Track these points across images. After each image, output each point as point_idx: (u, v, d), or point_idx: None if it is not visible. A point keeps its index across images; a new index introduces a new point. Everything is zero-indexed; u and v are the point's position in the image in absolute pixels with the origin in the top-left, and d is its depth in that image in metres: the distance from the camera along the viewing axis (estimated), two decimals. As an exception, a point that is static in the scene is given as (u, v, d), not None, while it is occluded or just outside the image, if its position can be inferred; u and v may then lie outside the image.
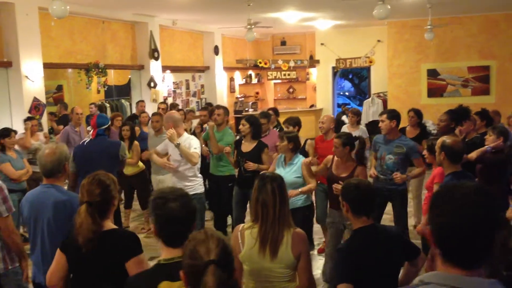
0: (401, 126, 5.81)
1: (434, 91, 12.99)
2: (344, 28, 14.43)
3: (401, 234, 3.05)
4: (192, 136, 5.43)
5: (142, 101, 10.20)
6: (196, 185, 5.23)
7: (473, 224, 1.36)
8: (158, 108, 9.08)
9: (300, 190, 4.81)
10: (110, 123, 5.49)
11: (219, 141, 6.10)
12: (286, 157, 4.98)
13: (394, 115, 5.36)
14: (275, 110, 7.51)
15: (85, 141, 5.01)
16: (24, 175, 6.18)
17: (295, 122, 6.09)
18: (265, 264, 2.78)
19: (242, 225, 2.93)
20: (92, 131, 4.94)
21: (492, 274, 1.92)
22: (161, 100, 11.60)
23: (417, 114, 6.57)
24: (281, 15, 11.05)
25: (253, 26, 9.45)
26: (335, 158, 4.79)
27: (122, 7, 9.88)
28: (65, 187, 5.94)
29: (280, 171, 4.84)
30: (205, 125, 7.50)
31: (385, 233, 2.86)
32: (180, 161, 5.14)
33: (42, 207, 3.13)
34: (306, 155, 5.46)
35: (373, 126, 9.84)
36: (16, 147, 6.61)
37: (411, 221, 6.51)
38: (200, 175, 5.38)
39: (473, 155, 4.99)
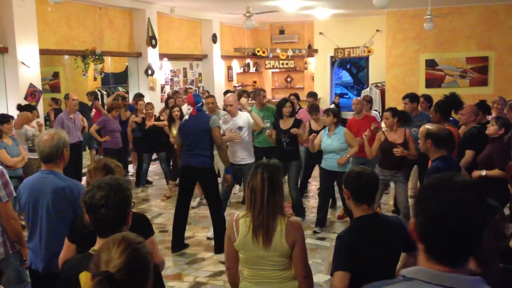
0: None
1: (432, 82, 12.95)
2: (343, 17, 14.34)
3: (403, 225, 3.03)
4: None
5: (141, 100, 8.96)
6: (252, 155, 6.32)
7: (460, 222, 1.29)
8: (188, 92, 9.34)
9: (347, 156, 6.00)
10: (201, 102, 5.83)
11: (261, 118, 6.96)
12: (330, 129, 6.11)
13: (415, 98, 6.72)
14: (296, 95, 8.66)
15: (187, 118, 5.72)
16: (19, 162, 6.14)
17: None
18: (260, 253, 2.77)
19: (237, 213, 2.91)
20: (192, 108, 5.60)
21: (486, 265, 1.90)
22: (159, 88, 11.57)
23: (427, 99, 7.16)
24: (280, 3, 10.96)
25: (253, 14, 9.38)
26: (386, 130, 5.86)
27: (120, -7, 9.77)
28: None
29: (325, 140, 6.13)
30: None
31: (386, 222, 2.82)
32: (239, 133, 6.16)
33: (41, 193, 3.09)
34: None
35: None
36: (14, 132, 6.56)
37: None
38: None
39: (481, 173, 4.92)
